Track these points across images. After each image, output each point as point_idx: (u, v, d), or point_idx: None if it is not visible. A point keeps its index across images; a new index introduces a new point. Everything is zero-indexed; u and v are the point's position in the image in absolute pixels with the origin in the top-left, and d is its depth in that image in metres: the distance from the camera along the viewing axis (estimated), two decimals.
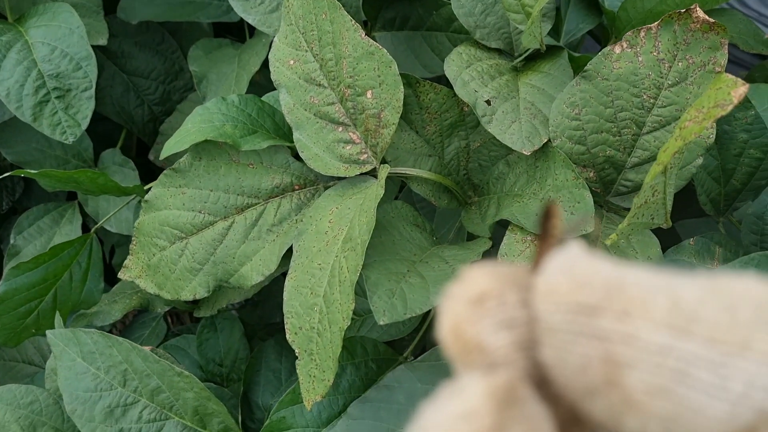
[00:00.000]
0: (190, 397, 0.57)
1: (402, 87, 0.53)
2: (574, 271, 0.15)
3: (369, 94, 0.55)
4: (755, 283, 0.14)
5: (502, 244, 0.53)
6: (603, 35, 0.73)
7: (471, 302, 0.16)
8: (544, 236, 0.17)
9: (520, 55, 0.60)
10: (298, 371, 0.53)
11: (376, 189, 0.52)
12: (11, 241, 0.84)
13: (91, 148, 0.84)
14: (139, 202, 0.76)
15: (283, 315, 0.84)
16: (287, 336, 0.54)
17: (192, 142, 0.57)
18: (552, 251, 0.17)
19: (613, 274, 0.15)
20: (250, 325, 0.84)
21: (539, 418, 0.16)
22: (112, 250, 0.96)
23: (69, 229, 0.83)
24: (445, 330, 0.16)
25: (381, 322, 0.47)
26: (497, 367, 0.16)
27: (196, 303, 0.75)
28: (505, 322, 0.16)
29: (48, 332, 0.60)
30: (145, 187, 0.70)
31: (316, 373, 0.52)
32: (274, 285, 0.85)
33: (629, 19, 0.64)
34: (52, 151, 0.83)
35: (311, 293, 0.53)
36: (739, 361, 0.13)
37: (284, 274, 0.81)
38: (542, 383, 0.16)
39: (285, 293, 0.54)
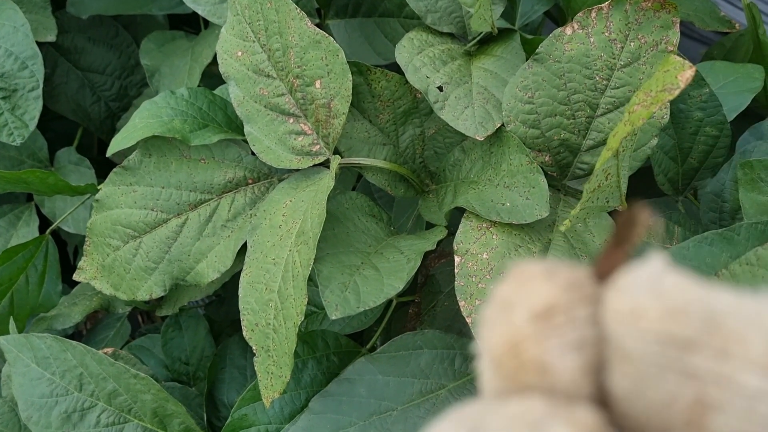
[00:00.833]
0: (148, 399, 0.56)
1: (350, 75, 0.52)
2: (665, 293, 0.14)
3: (318, 84, 0.54)
4: None
5: (458, 231, 0.52)
6: (560, 17, 0.72)
7: (536, 317, 0.14)
8: (618, 242, 0.15)
9: (473, 39, 0.59)
10: (256, 368, 0.52)
11: (327, 181, 0.51)
12: None
13: (46, 147, 0.82)
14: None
15: None
16: (244, 333, 0.53)
17: (139, 138, 0.56)
18: (625, 261, 0.15)
19: (708, 301, 0.13)
20: (217, 322, 0.83)
21: None
22: (76, 251, 0.94)
23: (26, 231, 0.81)
24: (498, 343, 0.14)
25: (333, 317, 0.46)
26: (561, 397, 0.14)
27: (156, 302, 0.74)
28: (575, 343, 0.14)
29: (0, 338, 0.58)
30: (99, 186, 0.68)
31: (273, 370, 0.51)
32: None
33: (584, 0, 0.64)
34: (6, 152, 0.81)
35: (266, 289, 0.52)
36: None
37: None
38: (601, 407, 0.15)
39: (240, 290, 0.53)
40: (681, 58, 0.41)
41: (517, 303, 0.14)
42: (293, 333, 0.49)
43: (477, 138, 0.53)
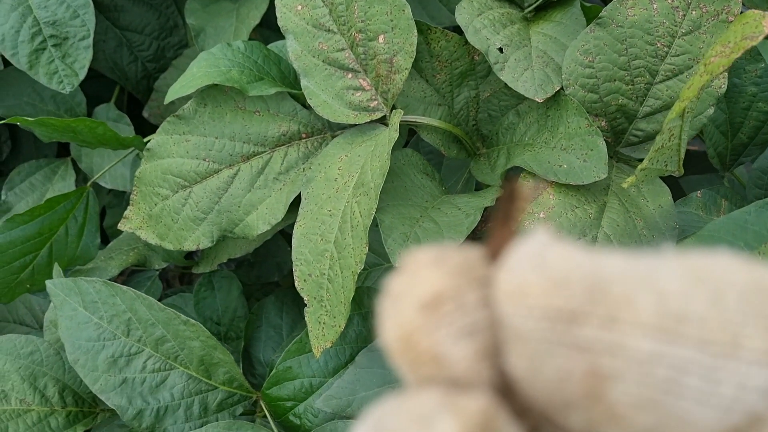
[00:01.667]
0: (196, 347, 0.56)
1: (415, 31, 0.53)
2: (547, 266, 0.13)
3: (381, 39, 0.54)
4: (735, 264, 0.13)
5: None
6: None
7: (424, 307, 0.14)
8: (503, 219, 0.15)
9: (530, 5, 0.60)
10: (306, 319, 0.52)
11: (389, 133, 0.51)
12: (2, 197, 0.82)
13: (85, 103, 0.82)
14: (137, 155, 0.75)
15: (280, 275, 0.83)
16: (296, 284, 0.53)
17: (198, 86, 0.56)
18: (513, 238, 0.15)
19: (592, 269, 0.13)
20: (247, 285, 0.83)
21: None
22: (104, 212, 0.94)
23: (62, 186, 0.82)
24: (392, 338, 0.14)
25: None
26: (461, 385, 0.14)
27: (194, 257, 0.74)
28: (465, 329, 0.14)
29: (48, 282, 0.58)
30: (144, 140, 0.68)
31: (326, 320, 0.51)
32: (272, 244, 0.84)
33: None
34: (44, 106, 0.81)
35: (321, 240, 0.52)
36: (730, 362, 0.12)
37: (282, 233, 0.81)
38: (506, 392, 0.14)
39: (294, 240, 0.54)
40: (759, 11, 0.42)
41: (406, 294, 0.14)
42: (351, 282, 0.49)
43: (536, 100, 0.53)
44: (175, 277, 1.15)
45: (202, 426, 0.57)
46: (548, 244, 0.14)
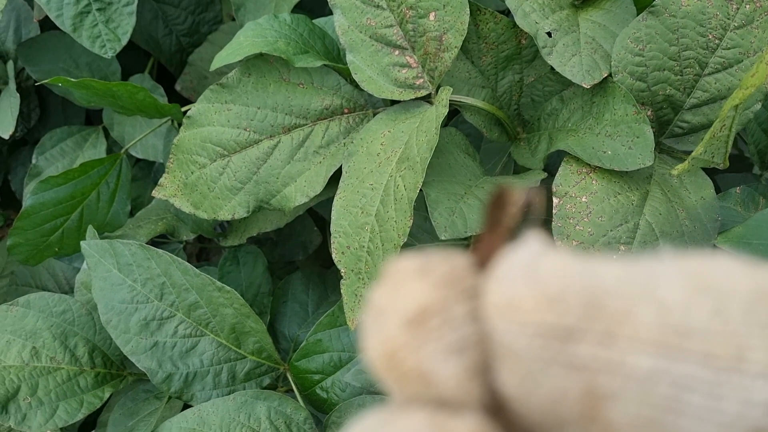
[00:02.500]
0: (229, 314, 0.56)
1: (468, 9, 0.53)
2: (540, 278, 0.12)
3: (432, 16, 0.54)
4: (737, 270, 0.12)
5: (558, 174, 0.52)
6: None
7: (409, 322, 0.13)
8: (492, 225, 0.14)
9: None
10: (342, 291, 0.52)
11: (438, 109, 0.51)
12: (33, 161, 0.83)
13: (119, 72, 0.83)
14: (171, 126, 0.75)
15: (304, 254, 0.83)
16: (333, 256, 0.53)
17: (246, 54, 0.56)
18: (503, 246, 0.14)
19: (588, 281, 0.12)
20: (270, 263, 0.83)
21: None
22: None
23: (92, 153, 0.82)
24: (376, 355, 0.13)
25: (442, 237, 0.47)
26: (450, 404, 0.13)
27: (224, 230, 0.74)
28: (454, 345, 0.13)
29: (83, 243, 0.59)
30: (183, 109, 0.68)
31: (363, 292, 0.51)
32: (298, 223, 0.84)
33: None
34: (80, 73, 0.81)
35: (362, 212, 0.52)
36: (734, 376, 0.12)
37: (309, 212, 0.81)
38: (496, 410, 0.13)
39: (333, 213, 0.54)
40: None
41: (389, 308, 0.13)
42: (393, 255, 0.49)
43: (583, 85, 0.53)
44: (192, 254, 1.15)
45: (229, 394, 0.57)
46: (541, 252, 0.13)
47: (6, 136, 0.79)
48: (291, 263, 0.85)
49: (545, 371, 0.12)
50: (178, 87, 0.87)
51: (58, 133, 0.83)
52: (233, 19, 0.89)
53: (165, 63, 0.89)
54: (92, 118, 1.00)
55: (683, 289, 0.12)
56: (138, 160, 0.88)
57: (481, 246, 0.14)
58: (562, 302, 0.12)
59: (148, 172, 0.91)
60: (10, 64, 0.82)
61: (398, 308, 0.13)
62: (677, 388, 0.12)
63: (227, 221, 0.76)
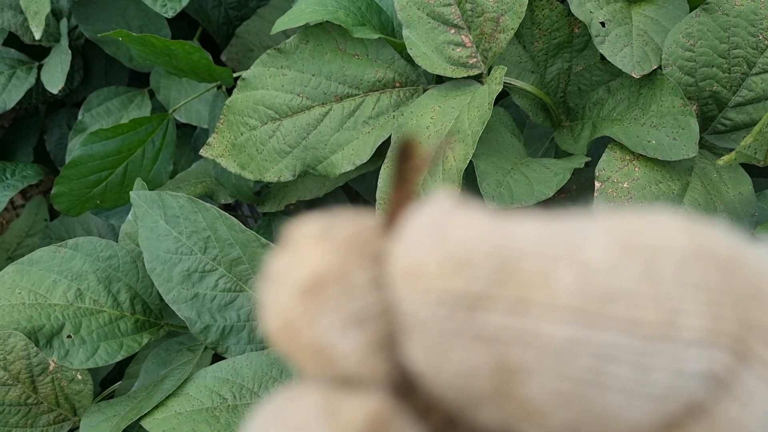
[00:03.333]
0: None
1: None
2: (446, 239, 0.11)
3: None
4: (673, 227, 0.11)
5: (601, 160, 0.54)
6: None
7: (304, 291, 0.11)
8: (399, 182, 0.13)
9: None
10: None
11: (491, 86, 0.53)
12: (79, 117, 0.85)
13: (170, 37, 0.84)
14: (218, 90, 0.76)
15: None
16: None
17: (307, 20, 0.58)
18: (410, 204, 0.12)
19: (500, 241, 0.11)
20: None
21: None
22: None
23: (137, 114, 0.84)
24: (272, 328, 0.12)
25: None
26: (354, 381, 0.12)
27: (260, 196, 0.76)
28: (354, 317, 0.12)
29: (132, 193, 0.60)
30: (234, 75, 0.70)
31: None
32: (331, 198, 0.86)
33: None
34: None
35: None
36: (664, 344, 0.11)
37: (343, 187, 0.82)
38: (407, 387, 0.12)
39: (380, 181, 0.55)
40: None
41: (286, 276, 0.12)
42: None
43: (633, 75, 0.55)
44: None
45: (262, 350, 0.59)
46: (450, 211, 0.11)
47: (55, 91, 0.81)
48: None
49: (452, 344, 0.11)
50: (223, 57, 0.89)
51: (105, 92, 0.85)
52: None
53: (212, 33, 0.91)
54: (133, 84, 1.02)
55: (610, 248, 0.11)
56: (178, 127, 0.90)
57: (389, 206, 0.13)
58: (469, 266, 0.11)
59: (186, 140, 0.93)
60: (63, 22, 0.84)
61: (293, 276, 0.12)
62: (600, 360, 0.10)
63: (264, 188, 0.78)
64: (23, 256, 1.11)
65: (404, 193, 0.13)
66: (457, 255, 0.11)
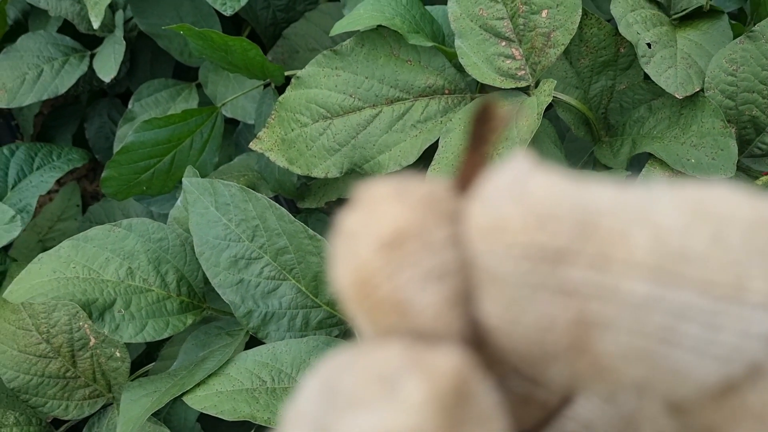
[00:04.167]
0: (314, 262, 0.60)
1: (580, 11, 0.57)
2: (529, 197, 0.11)
3: (544, 13, 0.58)
4: (736, 198, 0.12)
5: (641, 174, 0.56)
6: (741, 18, 0.76)
7: (384, 246, 0.12)
8: (475, 145, 0.13)
9: (677, 13, 0.63)
10: None
11: (539, 97, 0.55)
12: (129, 106, 0.87)
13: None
14: (265, 87, 0.79)
15: None
16: None
17: (365, 24, 0.60)
18: (487, 166, 0.13)
19: (580, 201, 0.11)
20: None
21: (495, 413, 0.12)
22: None
23: (184, 107, 0.86)
24: (347, 283, 0.12)
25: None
26: (427, 337, 0.12)
27: (301, 195, 0.79)
28: (433, 272, 0.12)
29: (184, 179, 0.63)
30: (287, 73, 0.73)
31: None
32: None
33: None
34: (176, 36, 0.86)
35: None
36: (733, 306, 0.11)
37: None
38: (476, 343, 0.12)
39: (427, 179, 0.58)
40: None
41: (362, 232, 0.12)
42: None
43: (676, 96, 0.57)
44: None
45: (301, 338, 0.61)
46: (529, 171, 0.12)
47: (107, 80, 0.84)
48: None
49: (532, 297, 0.11)
50: (269, 57, 0.91)
51: (155, 84, 0.88)
52: (328, 0, 0.94)
53: (260, 33, 0.94)
54: (177, 77, 1.05)
55: (681, 214, 0.11)
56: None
57: (464, 168, 0.13)
58: (553, 221, 0.11)
59: (227, 134, 0.95)
60: (119, 13, 0.87)
61: (372, 231, 0.12)
62: (673, 317, 0.11)
63: (304, 185, 0.80)
64: (54, 239, 1.14)
65: (479, 155, 0.13)
66: (540, 211, 0.11)
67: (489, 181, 0.12)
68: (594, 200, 0.11)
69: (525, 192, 0.11)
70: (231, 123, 0.92)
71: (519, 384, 0.14)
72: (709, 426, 0.12)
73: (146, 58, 1.04)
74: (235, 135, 0.91)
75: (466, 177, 0.13)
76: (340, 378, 0.12)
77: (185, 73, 1.02)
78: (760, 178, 0.51)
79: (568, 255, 0.11)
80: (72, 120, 1.17)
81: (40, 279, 0.59)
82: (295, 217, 0.83)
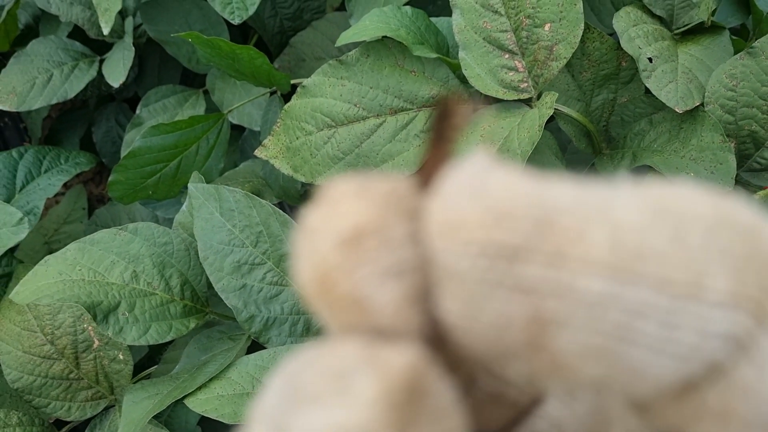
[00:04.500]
0: None
1: (582, 25, 0.57)
2: (487, 194, 0.11)
3: (547, 27, 0.59)
4: (699, 197, 0.12)
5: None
6: (743, 34, 0.77)
7: (343, 242, 0.12)
8: (436, 141, 0.13)
9: (679, 28, 0.64)
10: None
11: (541, 110, 0.56)
12: (137, 112, 0.89)
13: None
14: (271, 95, 0.80)
15: None
16: None
17: (371, 36, 0.61)
18: (448, 162, 0.13)
19: (539, 198, 0.11)
20: None
21: (452, 410, 0.12)
22: None
23: (191, 113, 0.87)
24: (307, 279, 0.12)
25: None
26: (387, 334, 0.12)
27: (304, 199, 0.79)
28: (392, 269, 0.12)
29: (190, 185, 0.64)
30: (293, 81, 0.74)
31: None
32: None
33: None
34: (184, 43, 0.87)
35: None
36: (691, 304, 0.11)
37: None
38: (437, 341, 0.12)
39: None
40: None
41: (322, 228, 0.12)
42: None
43: (676, 110, 0.58)
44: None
45: (302, 343, 0.61)
46: (488, 169, 0.12)
47: (116, 85, 0.85)
48: None
49: (489, 295, 0.11)
50: (276, 65, 0.92)
51: (163, 90, 0.89)
52: (336, 10, 0.95)
53: (267, 41, 0.95)
54: (184, 83, 1.06)
55: (641, 211, 0.11)
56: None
57: (426, 165, 0.13)
58: (510, 219, 0.11)
59: (233, 141, 0.96)
60: (129, 20, 0.88)
61: (332, 227, 0.12)
62: (630, 315, 0.11)
63: (307, 192, 0.81)
64: (60, 241, 1.15)
65: (441, 152, 0.13)
66: (498, 208, 0.11)
67: (449, 178, 0.12)
68: (553, 198, 0.11)
69: (483, 189, 0.11)
70: (237, 129, 0.93)
71: (489, 383, 0.14)
72: (674, 425, 0.12)
73: (154, 64, 1.05)
74: (240, 141, 0.92)
75: (427, 174, 0.13)
76: (300, 375, 0.12)
77: (193, 80, 1.03)
78: (759, 192, 0.52)
79: (525, 252, 0.11)
80: (80, 123, 1.19)
81: (46, 281, 0.60)
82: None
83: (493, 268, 0.11)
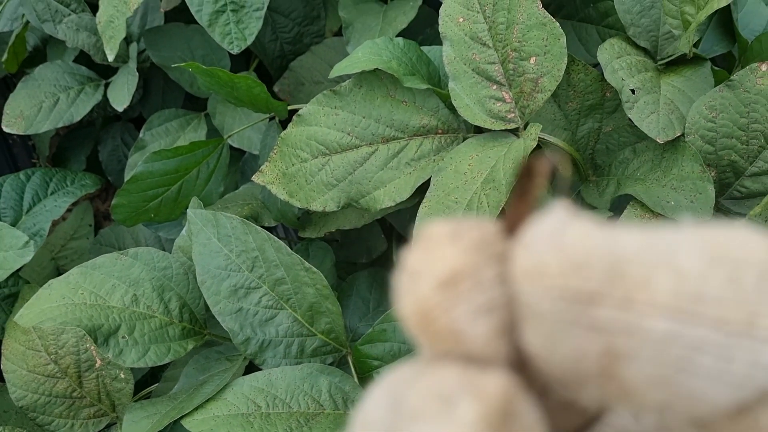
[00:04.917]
0: (310, 293, 0.63)
1: (566, 59, 0.59)
2: (565, 245, 0.13)
3: (532, 60, 0.61)
4: (752, 241, 0.13)
5: (623, 215, 0.59)
6: (729, 63, 0.79)
7: (442, 284, 0.14)
8: (521, 195, 0.15)
9: (663, 59, 0.66)
10: None
11: (526, 141, 0.58)
12: (141, 135, 0.91)
13: (229, 67, 0.91)
14: (270, 120, 0.82)
15: (368, 257, 0.90)
16: None
17: (363, 68, 0.63)
18: (531, 213, 0.15)
19: (610, 248, 0.13)
20: (336, 262, 0.90)
21: (537, 427, 0.14)
22: None
23: (193, 136, 0.90)
24: (411, 314, 0.14)
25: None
26: (478, 360, 0.14)
27: (302, 225, 0.81)
28: (483, 307, 0.14)
29: (189, 211, 0.66)
30: (291, 107, 0.76)
31: None
32: (366, 229, 0.91)
33: (761, 51, 0.70)
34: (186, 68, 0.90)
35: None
36: (744, 340, 0.13)
37: (379, 220, 0.88)
38: (520, 365, 0.15)
39: (417, 219, 0.61)
40: None
41: (423, 271, 0.14)
42: None
43: (658, 140, 0.60)
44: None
45: (296, 365, 0.64)
46: (566, 221, 0.14)
47: (120, 109, 0.88)
48: (353, 265, 0.92)
49: (567, 332, 0.13)
50: (276, 89, 0.95)
51: (165, 113, 0.92)
52: (335, 35, 0.98)
53: (267, 65, 0.97)
54: (187, 106, 1.09)
55: (700, 258, 0.13)
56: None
57: (511, 214, 0.15)
58: (585, 268, 0.13)
59: (233, 163, 0.99)
60: (133, 46, 0.91)
61: (432, 271, 0.14)
62: (690, 350, 0.13)
63: (305, 215, 0.83)
64: (66, 257, 1.18)
65: (525, 203, 0.15)
66: (574, 258, 0.13)
67: (532, 228, 0.14)
68: (622, 247, 0.13)
69: (562, 240, 0.13)
70: (237, 151, 0.95)
71: (562, 393, 0.15)
72: None
73: (158, 86, 1.07)
74: (241, 163, 0.94)
75: (513, 222, 0.15)
76: (404, 392, 0.14)
77: (195, 102, 1.06)
78: (751, 212, 0.54)
79: (598, 297, 0.13)
80: (86, 142, 1.21)
81: (49, 304, 0.62)
82: (297, 245, 0.86)
83: (571, 309, 0.13)
